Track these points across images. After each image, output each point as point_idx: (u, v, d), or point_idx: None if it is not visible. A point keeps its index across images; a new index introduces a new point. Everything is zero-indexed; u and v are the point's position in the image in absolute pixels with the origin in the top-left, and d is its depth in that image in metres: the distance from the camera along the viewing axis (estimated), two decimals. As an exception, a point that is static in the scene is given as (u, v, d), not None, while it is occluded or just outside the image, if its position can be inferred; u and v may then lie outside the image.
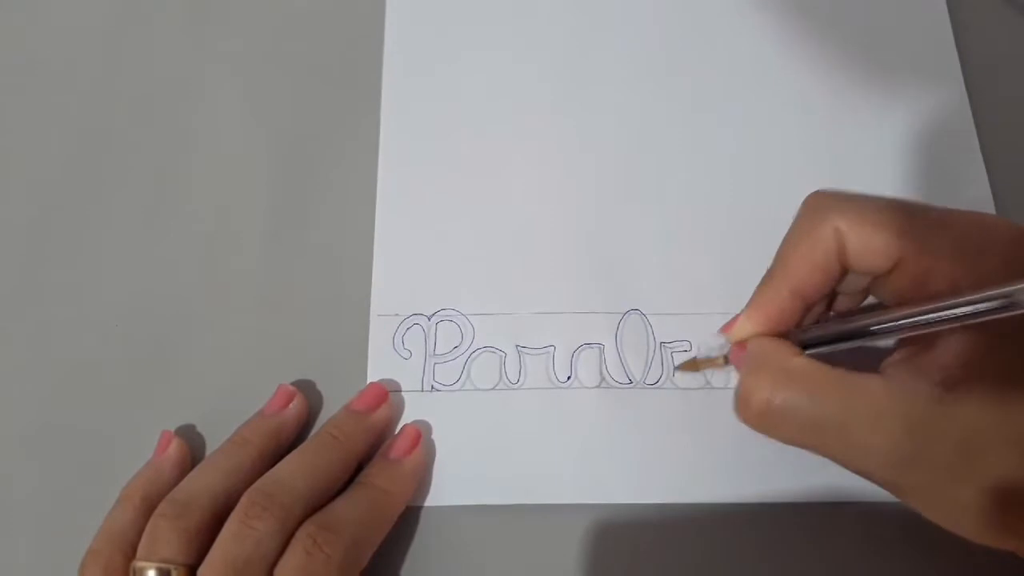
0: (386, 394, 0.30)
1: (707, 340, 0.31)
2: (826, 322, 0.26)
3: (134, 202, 0.35)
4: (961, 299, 0.21)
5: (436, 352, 0.31)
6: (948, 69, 0.36)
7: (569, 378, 0.31)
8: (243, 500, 0.26)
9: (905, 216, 0.24)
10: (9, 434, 0.31)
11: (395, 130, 0.35)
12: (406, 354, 0.31)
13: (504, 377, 0.31)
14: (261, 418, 0.29)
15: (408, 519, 0.29)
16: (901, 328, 0.23)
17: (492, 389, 0.31)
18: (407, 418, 0.30)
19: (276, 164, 0.35)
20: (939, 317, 0.22)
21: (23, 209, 0.35)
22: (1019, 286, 0.20)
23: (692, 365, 0.30)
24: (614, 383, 0.30)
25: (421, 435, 0.29)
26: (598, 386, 0.30)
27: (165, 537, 0.25)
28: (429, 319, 0.32)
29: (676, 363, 0.30)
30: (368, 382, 0.31)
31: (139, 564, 0.25)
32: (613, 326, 0.31)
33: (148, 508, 0.26)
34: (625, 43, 0.37)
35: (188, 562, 0.25)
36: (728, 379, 0.30)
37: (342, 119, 0.36)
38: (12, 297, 0.33)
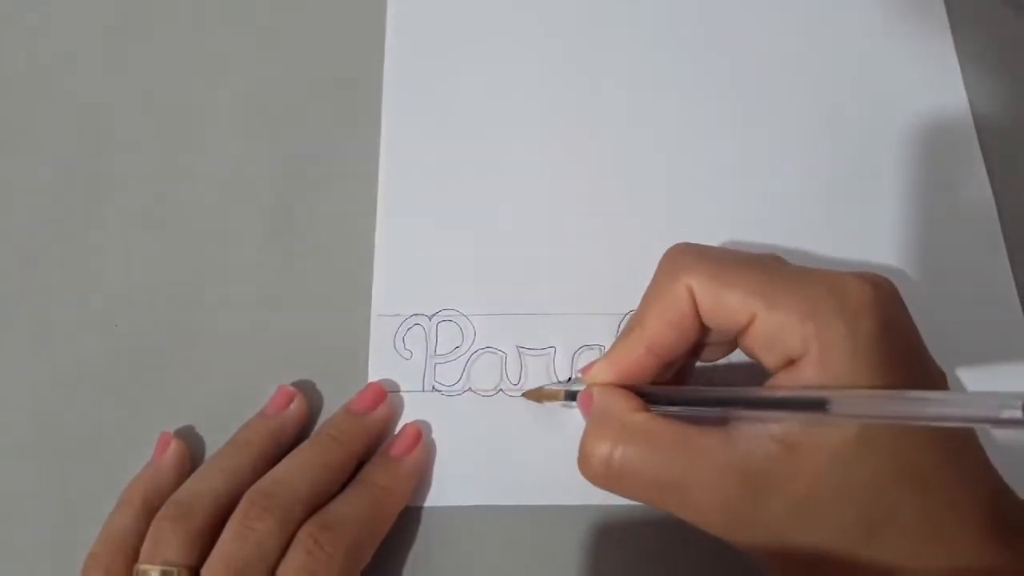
0: (385, 394, 0.30)
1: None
2: (679, 386, 0.27)
3: (134, 202, 0.35)
4: (783, 396, 0.22)
5: (437, 352, 0.31)
6: (947, 69, 0.36)
7: (570, 379, 0.31)
8: (243, 501, 0.26)
9: (757, 273, 0.23)
10: (9, 435, 0.31)
11: (396, 130, 0.35)
12: (407, 354, 0.31)
13: (505, 377, 0.31)
14: (262, 419, 0.29)
15: (408, 519, 0.29)
16: (734, 408, 0.23)
17: (493, 390, 0.31)
18: (408, 418, 0.30)
19: (277, 164, 0.35)
20: (765, 408, 0.22)
21: (23, 209, 0.35)
22: (832, 393, 0.21)
23: (536, 395, 0.30)
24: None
25: (421, 434, 0.29)
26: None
27: (168, 539, 0.25)
28: (430, 319, 0.32)
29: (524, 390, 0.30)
30: (368, 382, 0.31)
31: (142, 567, 0.25)
32: (614, 327, 0.31)
33: (148, 510, 0.26)
34: (624, 50, 0.37)
35: (191, 564, 0.25)
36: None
37: (343, 119, 0.36)
38: (12, 297, 0.33)
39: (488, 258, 0.33)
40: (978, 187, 0.34)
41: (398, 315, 0.32)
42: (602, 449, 0.23)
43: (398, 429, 0.30)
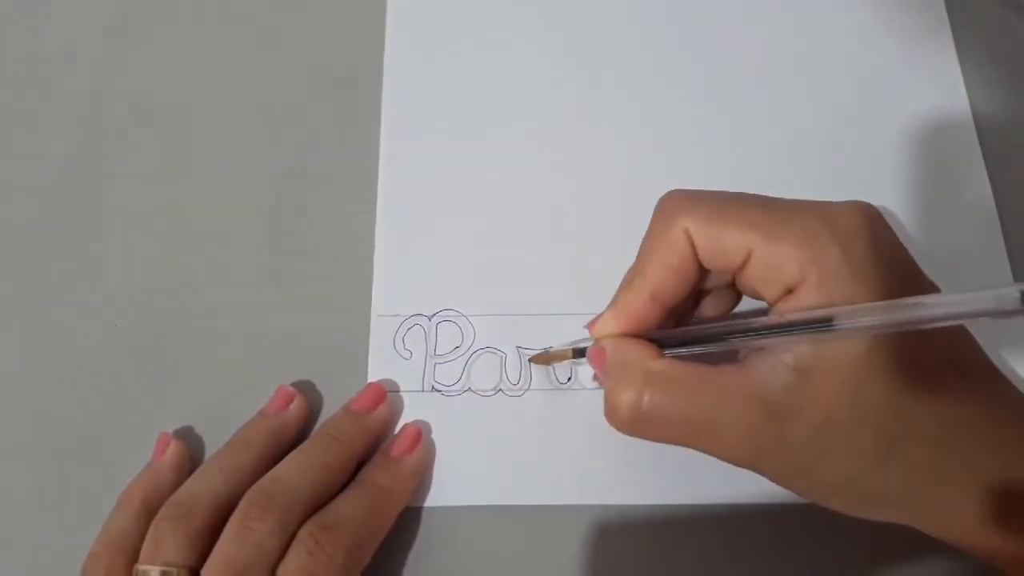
0: (385, 394, 0.30)
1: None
2: (686, 326, 0.27)
3: (134, 203, 0.35)
4: (789, 319, 0.22)
5: (437, 352, 0.31)
6: (947, 69, 0.36)
7: (569, 379, 0.31)
8: (243, 501, 0.26)
9: (751, 209, 0.24)
10: (8, 436, 0.31)
11: (396, 130, 0.35)
12: (407, 354, 0.31)
13: (504, 378, 0.31)
14: (262, 419, 0.29)
15: (408, 519, 0.29)
16: (743, 339, 0.24)
17: (492, 390, 0.31)
18: (407, 418, 0.30)
19: (277, 164, 0.35)
20: (773, 334, 0.23)
21: (23, 209, 0.35)
22: (837, 310, 0.21)
23: (544, 358, 0.30)
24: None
25: (422, 434, 0.29)
26: (598, 387, 0.30)
27: (168, 540, 0.25)
28: (430, 319, 0.32)
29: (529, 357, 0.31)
30: (368, 382, 0.31)
31: (142, 567, 0.25)
32: (613, 327, 0.31)
33: (148, 511, 0.26)
34: (625, 46, 0.37)
35: (191, 564, 0.25)
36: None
37: (343, 119, 0.35)
38: (12, 297, 0.33)
39: (488, 258, 0.33)
40: (978, 187, 0.34)
41: (398, 315, 0.32)
42: (629, 397, 0.24)
43: (398, 429, 0.30)
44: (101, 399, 0.31)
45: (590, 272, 0.32)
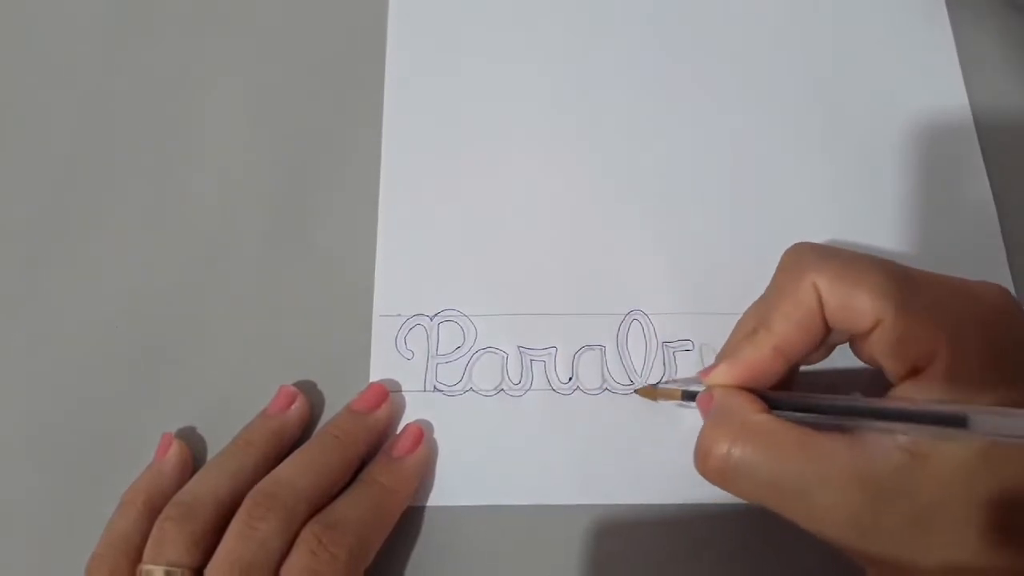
0: (387, 394, 0.30)
1: (709, 340, 0.31)
2: (799, 393, 0.26)
3: (135, 203, 0.35)
4: (920, 409, 0.21)
5: (438, 352, 0.31)
6: (948, 69, 0.36)
7: (571, 379, 0.31)
8: (246, 501, 0.26)
9: (885, 276, 0.23)
10: (9, 437, 0.31)
11: (398, 130, 0.35)
12: (408, 354, 0.31)
13: (506, 378, 0.31)
14: (264, 419, 0.29)
15: (410, 519, 0.29)
16: (865, 421, 0.23)
17: (494, 390, 0.31)
18: (409, 418, 0.30)
19: (279, 165, 0.35)
20: (899, 421, 0.22)
21: (23, 209, 0.35)
22: (971, 409, 0.20)
23: (650, 393, 0.30)
24: (616, 384, 0.31)
25: (424, 433, 0.29)
26: (599, 387, 0.30)
27: (172, 540, 0.25)
28: (431, 319, 0.32)
29: (637, 385, 0.30)
30: (370, 382, 0.31)
31: (146, 567, 0.25)
32: (615, 327, 0.31)
33: (151, 511, 0.27)
34: (625, 45, 0.37)
35: (194, 564, 0.25)
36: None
37: (345, 120, 0.35)
38: (12, 298, 0.33)
39: (489, 258, 0.33)
40: (978, 187, 0.34)
41: (399, 315, 0.32)
42: (721, 446, 0.23)
43: (400, 429, 0.30)
44: (103, 400, 0.31)
45: (591, 272, 0.32)
